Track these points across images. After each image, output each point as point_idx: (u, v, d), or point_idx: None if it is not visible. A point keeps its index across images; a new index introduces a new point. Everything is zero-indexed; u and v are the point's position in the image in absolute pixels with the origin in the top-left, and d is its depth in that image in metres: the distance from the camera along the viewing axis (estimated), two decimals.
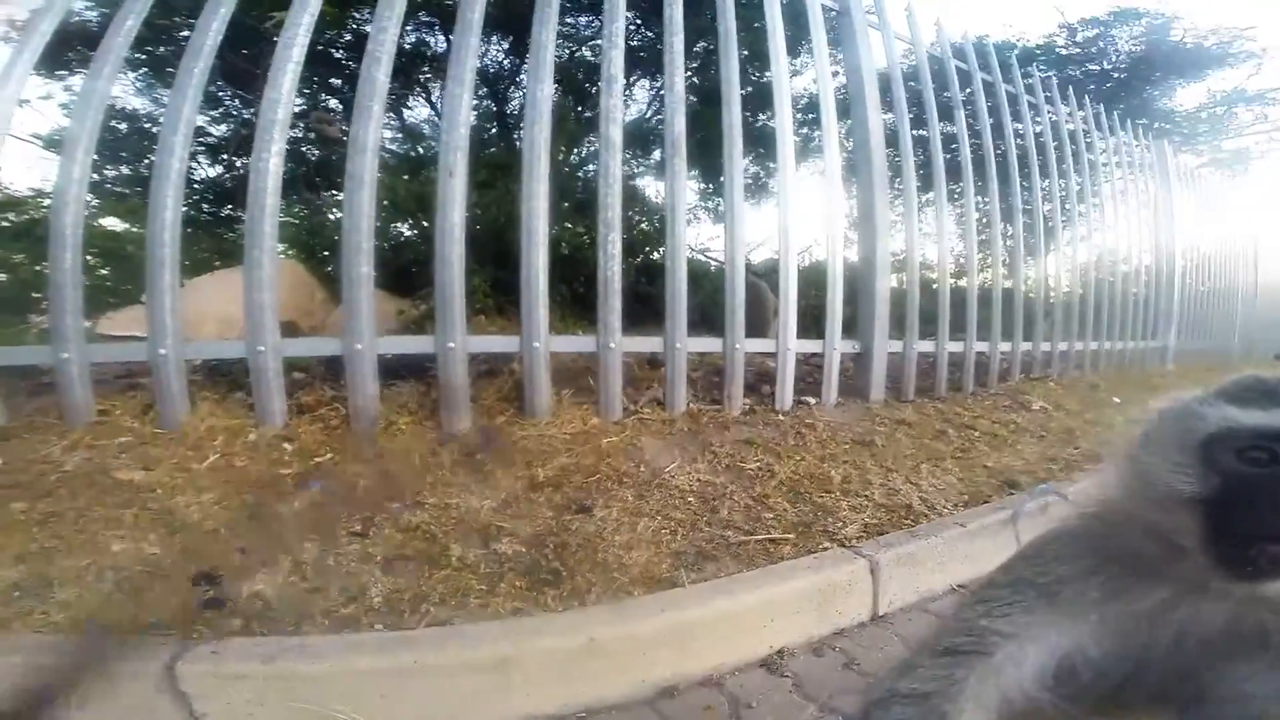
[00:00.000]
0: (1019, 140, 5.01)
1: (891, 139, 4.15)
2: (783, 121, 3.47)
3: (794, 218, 3.47)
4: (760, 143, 5.47)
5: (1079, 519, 0.85)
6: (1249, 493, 0.64)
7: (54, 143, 5.79)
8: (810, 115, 6.51)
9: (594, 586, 1.88)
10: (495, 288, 4.25)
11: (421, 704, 1.52)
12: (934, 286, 4.27)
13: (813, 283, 4.27)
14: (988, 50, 5.01)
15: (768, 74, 3.67)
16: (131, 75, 6.14)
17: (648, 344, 3.17)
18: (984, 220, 4.70)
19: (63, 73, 5.80)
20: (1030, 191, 5.19)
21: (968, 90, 4.73)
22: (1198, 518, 0.66)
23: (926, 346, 4.10)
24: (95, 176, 3.25)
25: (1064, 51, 11.57)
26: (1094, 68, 11.41)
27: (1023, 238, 5.23)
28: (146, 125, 6.42)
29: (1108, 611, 0.73)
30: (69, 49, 4.89)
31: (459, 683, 1.54)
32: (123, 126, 6.46)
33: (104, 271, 5.21)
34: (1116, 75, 11.32)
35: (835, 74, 3.98)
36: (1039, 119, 5.33)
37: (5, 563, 1.75)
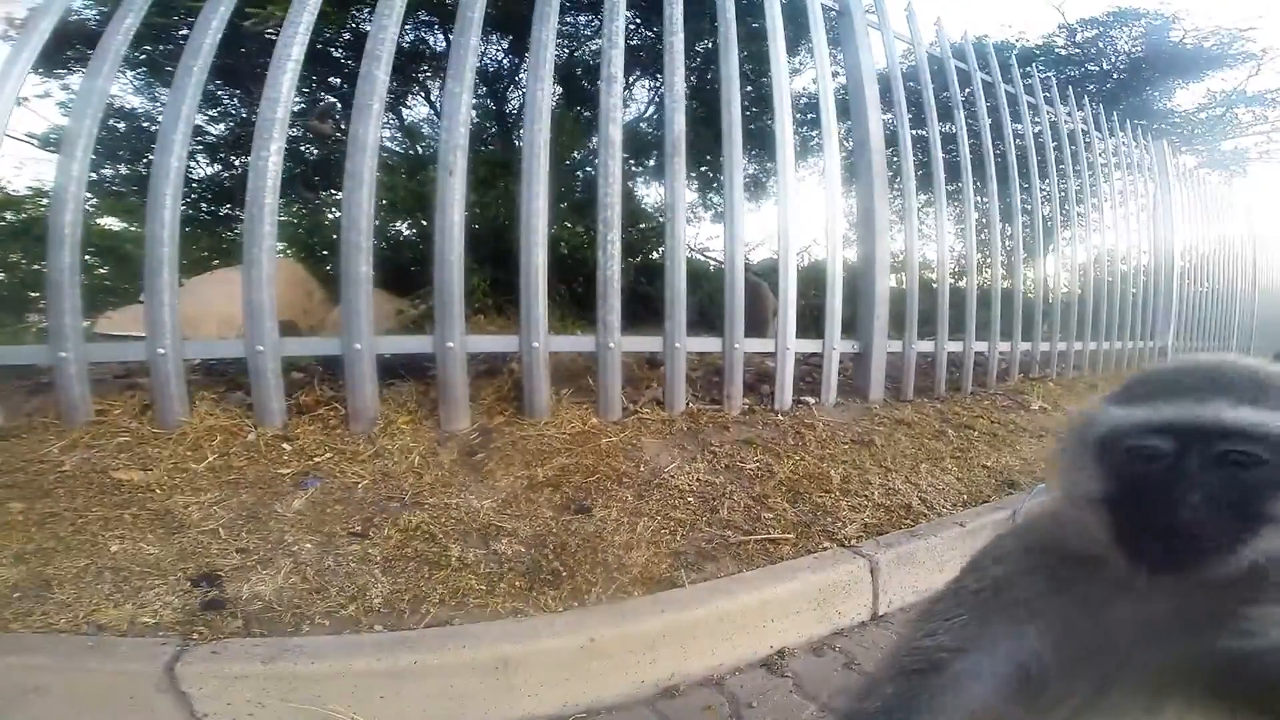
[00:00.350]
0: (1018, 141, 5.01)
1: (891, 139, 4.15)
2: (782, 121, 3.46)
3: (794, 217, 3.47)
4: (760, 142, 5.47)
5: (1022, 522, 0.87)
6: (1139, 488, 0.66)
7: (50, 141, 5.79)
8: (810, 115, 6.52)
9: (594, 587, 1.88)
10: (495, 287, 4.25)
11: (421, 705, 1.52)
12: (933, 286, 4.27)
13: (812, 282, 4.28)
14: (987, 50, 5.01)
15: (767, 74, 3.66)
16: (130, 74, 6.14)
17: (647, 344, 3.17)
18: (983, 220, 4.70)
19: (61, 71, 5.80)
20: (1029, 192, 5.19)
21: (967, 90, 4.73)
22: (1105, 517, 0.68)
23: (925, 346, 4.10)
24: (93, 175, 3.24)
25: (1063, 52, 11.59)
26: (1093, 68, 11.43)
27: (1022, 238, 5.24)
28: (145, 124, 6.42)
29: (1050, 612, 0.74)
30: (68, 47, 4.88)
31: (459, 683, 1.54)
32: (121, 125, 6.46)
33: (102, 270, 5.20)
34: (1116, 76, 11.34)
35: (835, 74, 3.97)
36: (1038, 119, 5.33)
37: (4, 563, 1.75)
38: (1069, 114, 5.72)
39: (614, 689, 1.66)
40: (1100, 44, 11.43)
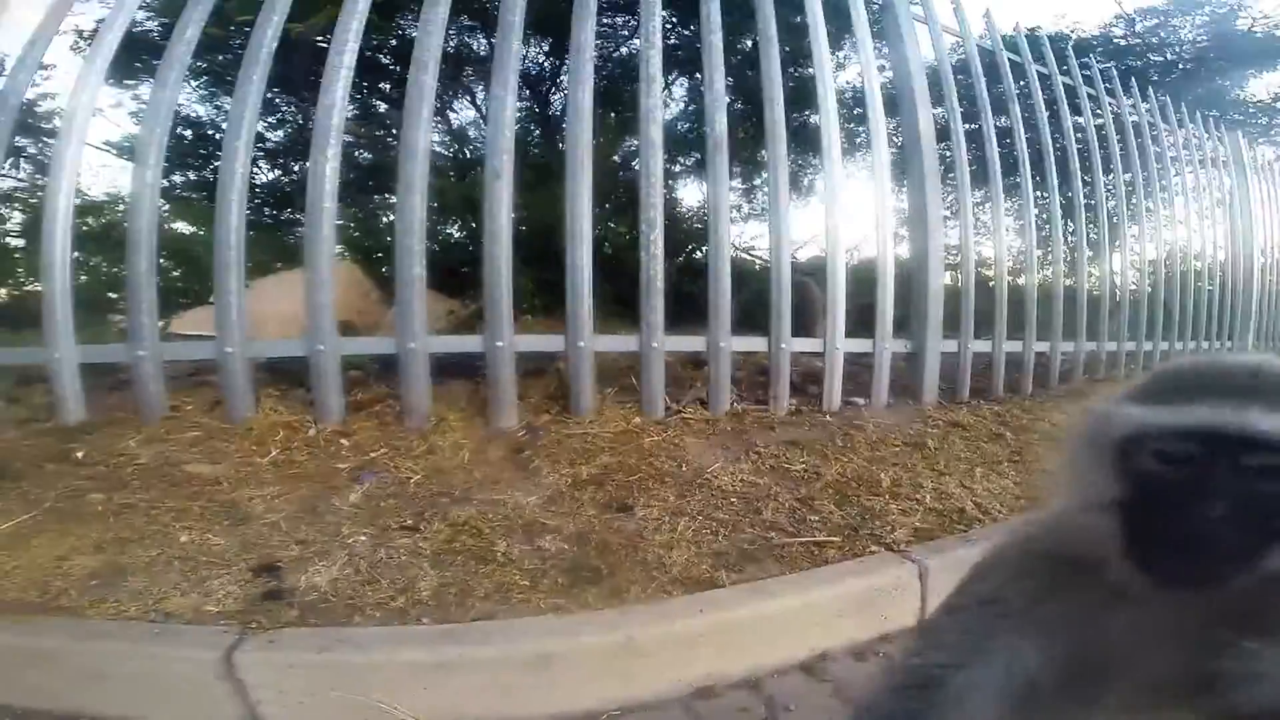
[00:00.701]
0: (1079, 134, 4.80)
1: (943, 134, 4.03)
2: (828, 118, 3.41)
3: (842, 214, 3.41)
4: (805, 139, 5.39)
5: (1024, 527, 0.83)
6: (1157, 495, 0.62)
7: (124, 149, 6.13)
8: (857, 110, 6.38)
9: (634, 585, 1.89)
10: (541, 288, 4.31)
11: (464, 697, 1.55)
12: (990, 285, 4.13)
13: (862, 281, 4.19)
14: (1041, 41, 4.83)
15: (810, 70, 3.61)
16: (193, 84, 6.42)
17: (691, 343, 3.16)
18: (1043, 216, 4.52)
19: (131, 82, 6.12)
20: (1093, 186, 4.97)
21: (1021, 83, 4.55)
22: (1115, 523, 0.64)
23: (982, 346, 3.96)
24: (164, 182, 3.42)
25: (1122, 42, 10.98)
26: (1156, 58, 10.80)
27: (1085, 234, 5.01)
28: (210, 132, 6.72)
29: (1043, 622, 0.71)
30: (135, 59, 5.15)
31: (500, 677, 1.57)
32: (188, 134, 6.77)
33: (175, 273, 5.46)
34: (1182, 66, 10.68)
35: (881, 68, 3.89)
36: (1099, 111, 5.09)
37: (84, 552, 1.87)
38: (1132, 106, 5.44)
39: (650, 687, 1.66)
40: (1162, 33, 10.79)
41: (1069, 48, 5.30)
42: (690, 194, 7.24)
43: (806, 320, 4.22)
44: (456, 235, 5.63)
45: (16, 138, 4.57)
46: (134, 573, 1.79)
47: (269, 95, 5.16)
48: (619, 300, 4.46)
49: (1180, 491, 0.60)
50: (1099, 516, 0.66)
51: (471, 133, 7.35)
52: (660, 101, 3.17)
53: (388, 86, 6.68)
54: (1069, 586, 0.71)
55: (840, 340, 3.33)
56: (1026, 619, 0.72)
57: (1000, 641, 0.72)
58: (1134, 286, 5.27)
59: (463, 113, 7.86)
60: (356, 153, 6.77)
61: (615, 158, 5.82)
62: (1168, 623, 0.64)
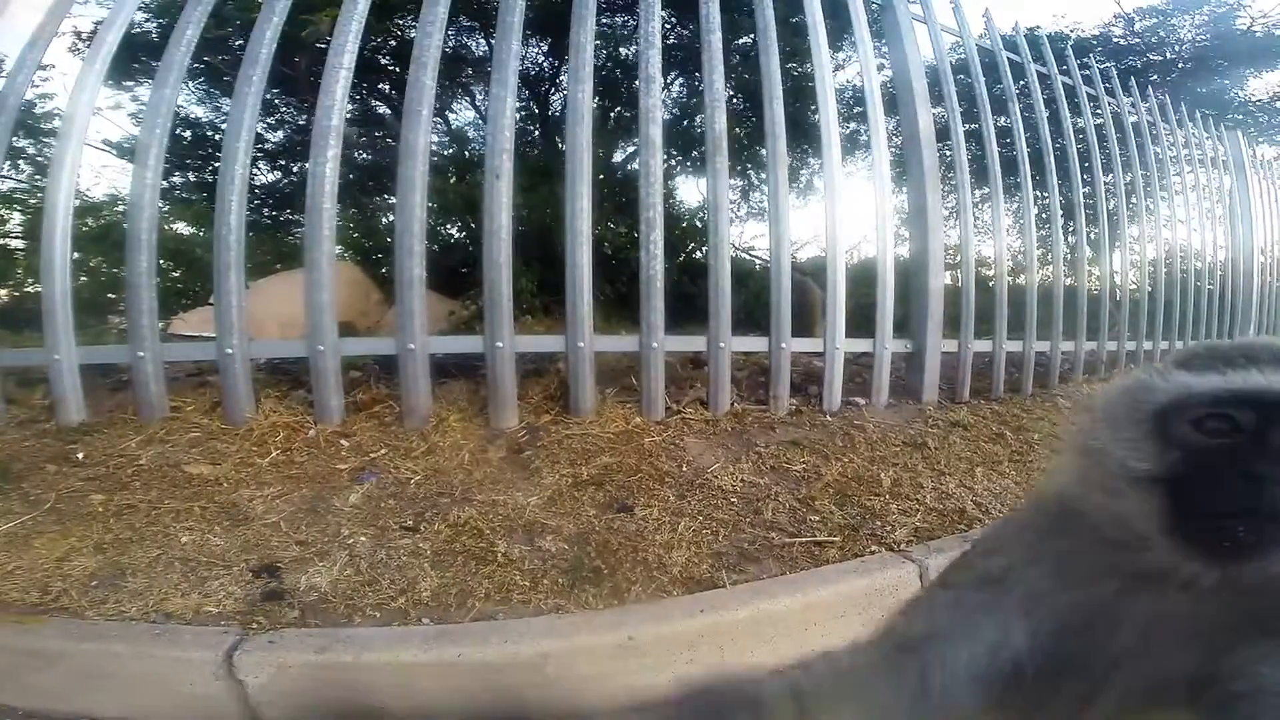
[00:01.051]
0: (1078, 134, 4.79)
1: (943, 133, 4.03)
2: (827, 117, 3.40)
3: (841, 214, 3.39)
4: (805, 138, 5.39)
5: (1027, 510, 0.80)
6: (1209, 466, 0.59)
7: (125, 150, 6.14)
8: (857, 110, 6.40)
9: (634, 585, 1.90)
10: (541, 288, 4.32)
11: (463, 697, 1.55)
12: (990, 284, 4.13)
13: (862, 280, 4.19)
14: (1040, 41, 4.82)
15: (810, 69, 3.60)
16: (193, 84, 6.44)
17: (691, 343, 3.15)
18: (1043, 215, 4.52)
19: (131, 82, 6.14)
20: (1093, 186, 4.97)
21: (1021, 83, 4.55)
22: (1156, 499, 0.61)
23: (983, 346, 3.96)
24: (164, 183, 3.43)
25: (1122, 42, 11.00)
26: (1156, 58, 10.81)
27: (1085, 233, 5.01)
28: (209, 132, 6.74)
29: (1050, 605, 0.68)
30: (135, 59, 5.16)
31: (500, 678, 1.57)
32: (188, 134, 6.79)
33: (175, 274, 5.45)
34: (1181, 65, 10.69)
35: (881, 68, 3.88)
36: (1099, 111, 5.09)
37: (85, 553, 1.87)
38: (1132, 105, 5.43)
39: (650, 687, 1.66)
40: (1161, 32, 10.79)
41: (1068, 47, 5.30)
42: (690, 193, 7.25)
43: (807, 320, 4.23)
44: (456, 235, 5.65)
45: (16, 138, 4.56)
46: (134, 573, 1.79)
47: (269, 95, 5.18)
48: (619, 300, 4.47)
49: (1230, 461, 0.59)
50: (1131, 493, 0.63)
51: (471, 133, 7.38)
52: (660, 101, 3.16)
53: (388, 86, 6.70)
54: (1083, 569, 0.68)
55: (840, 340, 3.32)
56: (1026, 600, 0.69)
57: (991, 620, 0.69)
58: (1134, 286, 5.26)
59: (463, 113, 7.90)
60: (356, 153, 6.79)
61: (615, 157, 5.82)
62: (1184, 616, 0.62)
